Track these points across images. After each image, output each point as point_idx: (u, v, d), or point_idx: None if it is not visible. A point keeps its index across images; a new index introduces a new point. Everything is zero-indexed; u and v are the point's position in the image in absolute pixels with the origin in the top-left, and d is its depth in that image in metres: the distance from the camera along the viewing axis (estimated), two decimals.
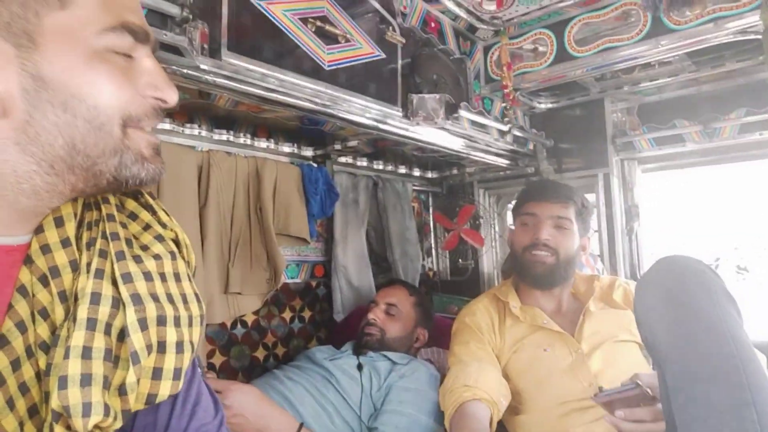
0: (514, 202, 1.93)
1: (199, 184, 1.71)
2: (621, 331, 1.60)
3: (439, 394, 1.53)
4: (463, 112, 1.90)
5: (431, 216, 2.81)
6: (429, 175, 2.74)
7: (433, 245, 2.82)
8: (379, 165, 2.46)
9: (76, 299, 0.64)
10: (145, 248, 0.73)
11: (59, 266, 0.65)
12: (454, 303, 2.48)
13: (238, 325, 1.94)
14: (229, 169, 1.80)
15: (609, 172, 2.34)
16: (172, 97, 0.67)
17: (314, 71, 1.51)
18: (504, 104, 2.21)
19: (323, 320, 2.25)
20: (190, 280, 0.76)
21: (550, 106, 2.45)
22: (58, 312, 0.63)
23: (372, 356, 1.76)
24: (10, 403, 0.58)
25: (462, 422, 1.32)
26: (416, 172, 2.68)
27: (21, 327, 0.61)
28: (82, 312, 0.62)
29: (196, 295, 0.75)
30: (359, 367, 1.71)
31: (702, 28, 1.74)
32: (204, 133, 1.79)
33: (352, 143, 2.03)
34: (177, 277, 0.74)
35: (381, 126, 1.72)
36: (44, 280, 0.64)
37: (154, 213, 0.78)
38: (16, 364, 0.60)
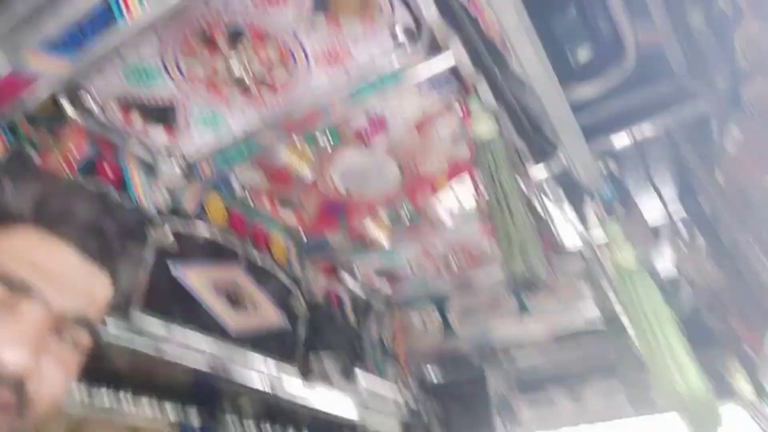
0: None
1: None
2: None
3: None
4: (359, 372, 1.96)
5: None
6: None
7: None
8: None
9: None
10: None
11: None
12: None
13: None
14: None
15: None
16: (5, 356, 0.57)
17: (220, 333, 1.56)
18: (397, 372, 2.32)
19: None
20: None
21: (441, 380, 2.59)
22: None
23: None
24: None
25: None
26: None
27: None
28: None
29: None
30: None
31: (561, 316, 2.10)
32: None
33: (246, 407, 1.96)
34: None
35: (276, 387, 1.72)
36: None
37: None
38: None
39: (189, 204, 1.57)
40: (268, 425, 2.32)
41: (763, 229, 1.20)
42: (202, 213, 1.61)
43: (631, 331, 1.40)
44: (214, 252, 1.66)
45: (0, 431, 0.57)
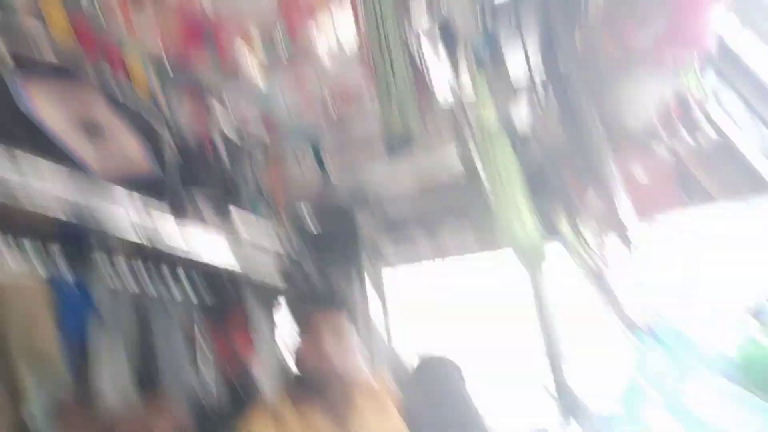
0: (288, 309, 2.00)
1: None
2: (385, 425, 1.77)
3: None
4: (234, 211, 1.99)
5: (201, 332, 2.71)
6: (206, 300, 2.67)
7: (201, 363, 2.69)
8: (146, 280, 2.33)
9: None
10: None
11: None
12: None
13: None
14: None
15: (363, 275, 2.68)
16: None
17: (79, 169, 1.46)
18: (274, 216, 2.39)
19: None
20: None
21: (318, 229, 2.73)
22: None
23: None
24: None
25: None
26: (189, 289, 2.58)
27: None
28: None
29: None
30: None
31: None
32: None
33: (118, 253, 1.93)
34: None
35: (148, 230, 1.70)
36: None
37: None
38: None
39: None
40: (140, 264, 2.32)
41: (605, 97, 1.36)
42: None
43: (486, 183, 1.55)
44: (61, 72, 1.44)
45: None
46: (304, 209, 2.70)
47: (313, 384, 1.73)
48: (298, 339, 1.79)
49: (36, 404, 1.81)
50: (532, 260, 1.28)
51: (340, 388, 1.76)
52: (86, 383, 1.97)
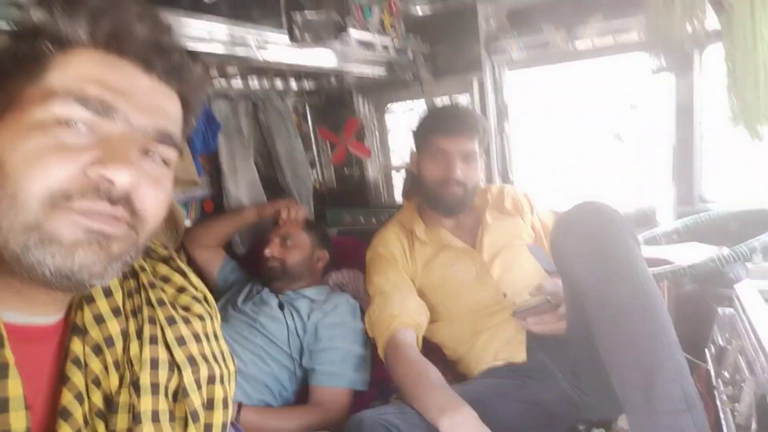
0: (416, 126, 1.86)
1: None
2: (514, 238, 1.79)
3: (366, 323, 1.64)
4: (352, 32, 1.80)
5: (311, 127, 2.73)
6: (306, 86, 2.60)
7: (316, 156, 2.78)
8: (254, 83, 2.27)
9: (129, 365, 0.68)
10: (186, 309, 0.78)
11: (113, 335, 0.68)
12: (346, 214, 2.55)
13: None
14: None
15: (483, 76, 2.43)
16: (119, 178, 0.58)
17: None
18: (384, 14, 2.12)
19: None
20: (222, 338, 0.83)
21: (427, 12, 2.39)
22: (113, 380, 0.67)
23: (290, 295, 1.80)
24: None
25: (397, 350, 1.46)
26: (293, 85, 2.52)
27: (79, 398, 0.63)
28: (145, 378, 0.67)
29: (229, 353, 0.83)
30: (280, 306, 1.75)
31: None
32: None
33: (232, 71, 1.85)
34: (215, 336, 0.81)
35: (266, 55, 1.58)
36: (97, 350, 0.67)
37: (185, 276, 0.82)
38: None
39: None
40: (253, 76, 2.25)
41: None
42: None
43: None
44: None
45: (123, 247, 0.61)
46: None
47: (441, 204, 1.75)
48: (427, 158, 1.75)
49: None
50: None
51: (467, 205, 1.78)
52: (222, 193, 2.11)
